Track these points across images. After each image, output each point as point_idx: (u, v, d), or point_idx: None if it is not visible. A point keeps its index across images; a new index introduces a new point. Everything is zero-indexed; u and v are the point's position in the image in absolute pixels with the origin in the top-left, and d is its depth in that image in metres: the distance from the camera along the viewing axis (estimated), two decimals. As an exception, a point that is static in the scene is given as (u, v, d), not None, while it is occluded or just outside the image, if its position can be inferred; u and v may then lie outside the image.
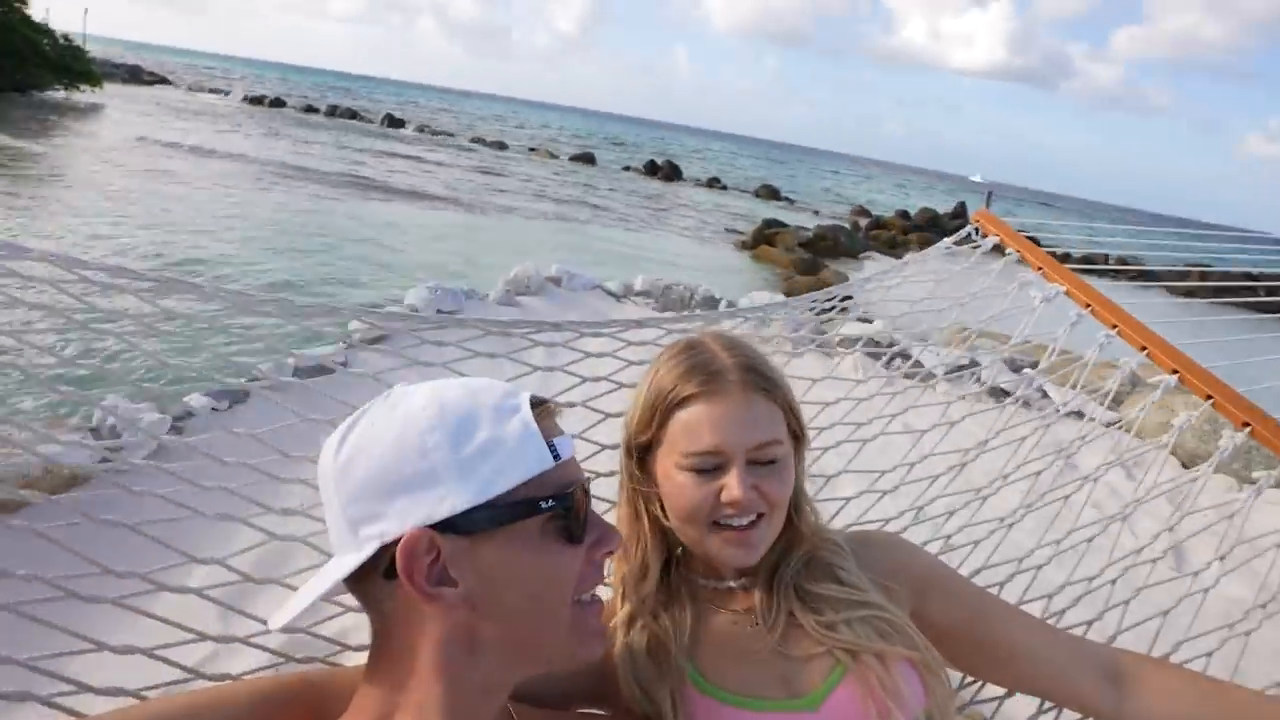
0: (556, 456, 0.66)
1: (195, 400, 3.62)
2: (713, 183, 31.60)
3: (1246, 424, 1.47)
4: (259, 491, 1.09)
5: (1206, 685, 1.00)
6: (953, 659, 0.97)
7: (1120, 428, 1.86)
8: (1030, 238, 1.88)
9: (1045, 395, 4.78)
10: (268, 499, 1.10)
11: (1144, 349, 1.60)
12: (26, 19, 23.46)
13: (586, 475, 0.71)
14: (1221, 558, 1.43)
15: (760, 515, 0.85)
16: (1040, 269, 1.80)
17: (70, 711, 0.84)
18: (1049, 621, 1.21)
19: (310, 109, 37.60)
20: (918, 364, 1.97)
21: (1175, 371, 1.55)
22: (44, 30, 24.09)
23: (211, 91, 40.76)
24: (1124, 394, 4.84)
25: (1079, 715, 1.06)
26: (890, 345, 1.86)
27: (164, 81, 41.85)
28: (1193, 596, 1.40)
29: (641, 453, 0.91)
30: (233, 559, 1.06)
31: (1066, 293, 1.73)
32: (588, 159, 33.38)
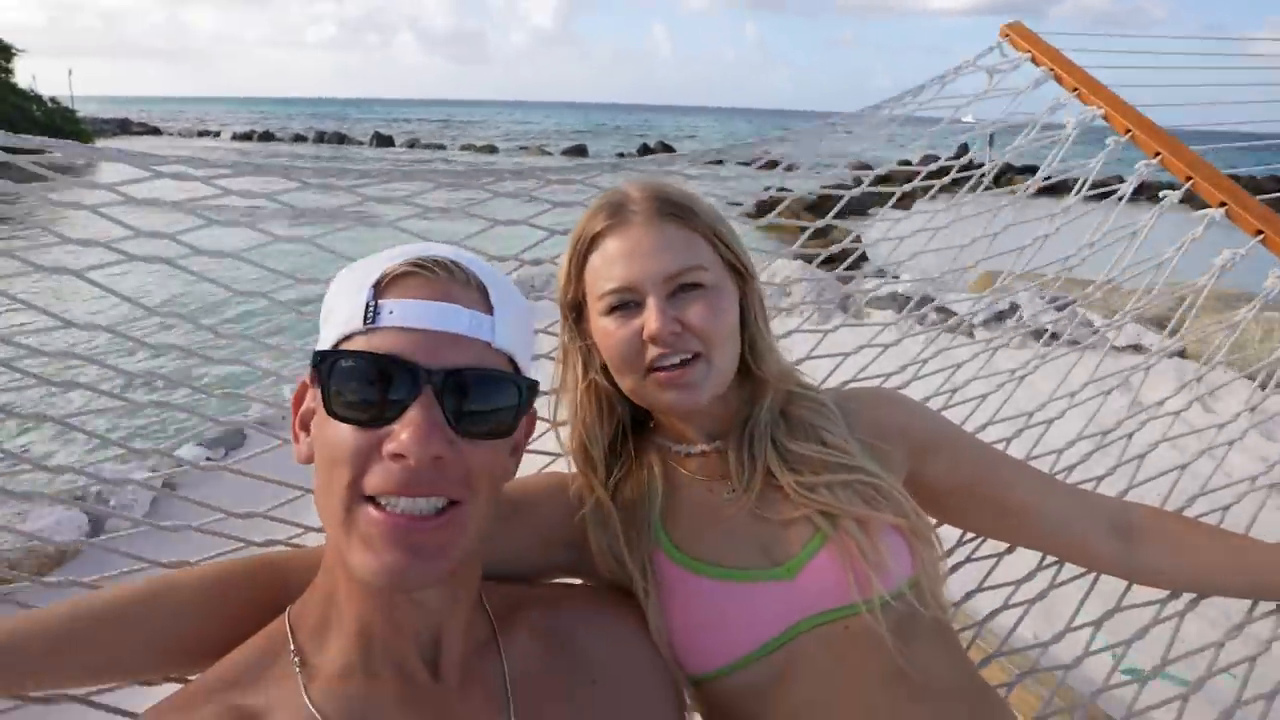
0: (371, 319, 0.58)
1: (187, 451, 3.50)
2: (707, 158, 31.25)
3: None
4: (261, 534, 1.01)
5: (1212, 531, 0.99)
6: (952, 517, 0.94)
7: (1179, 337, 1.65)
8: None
9: (1095, 331, 4.53)
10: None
11: (1189, 179, 1.45)
12: (13, 87, 23.97)
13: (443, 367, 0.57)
14: (1252, 409, 1.33)
15: (697, 355, 0.79)
16: (1076, 90, 1.58)
17: (24, 605, 0.81)
18: (1058, 476, 1.17)
19: (299, 138, 37.89)
20: (948, 312, 1.83)
21: (1223, 204, 1.41)
22: (31, 96, 24.53)
23: (201, 135, 41.05)
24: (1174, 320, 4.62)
25: (1083, 569, 1.05)
26: (923, 300, 1.69)
27: (154, 131, 42.21)
28: (1216, 449, 1.31)
29: (575, 312, 0.86)
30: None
31: (1105, 116, 1.54)
32: (580, 151, 33.25)
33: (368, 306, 0.58)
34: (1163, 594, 1.05)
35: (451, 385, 0.57)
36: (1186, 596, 1.04)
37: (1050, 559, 1.08)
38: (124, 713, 0.80)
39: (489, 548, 0.70)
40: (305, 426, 0.65)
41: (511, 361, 0.63)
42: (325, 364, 0.58)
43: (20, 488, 0.94)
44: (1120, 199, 1.54)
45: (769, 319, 0.88)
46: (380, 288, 0.60)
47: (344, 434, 0.57)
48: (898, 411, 0.92)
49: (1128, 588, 1.07)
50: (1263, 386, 1.34)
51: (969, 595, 1.15)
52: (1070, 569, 1.06)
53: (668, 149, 32.17)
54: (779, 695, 0.76)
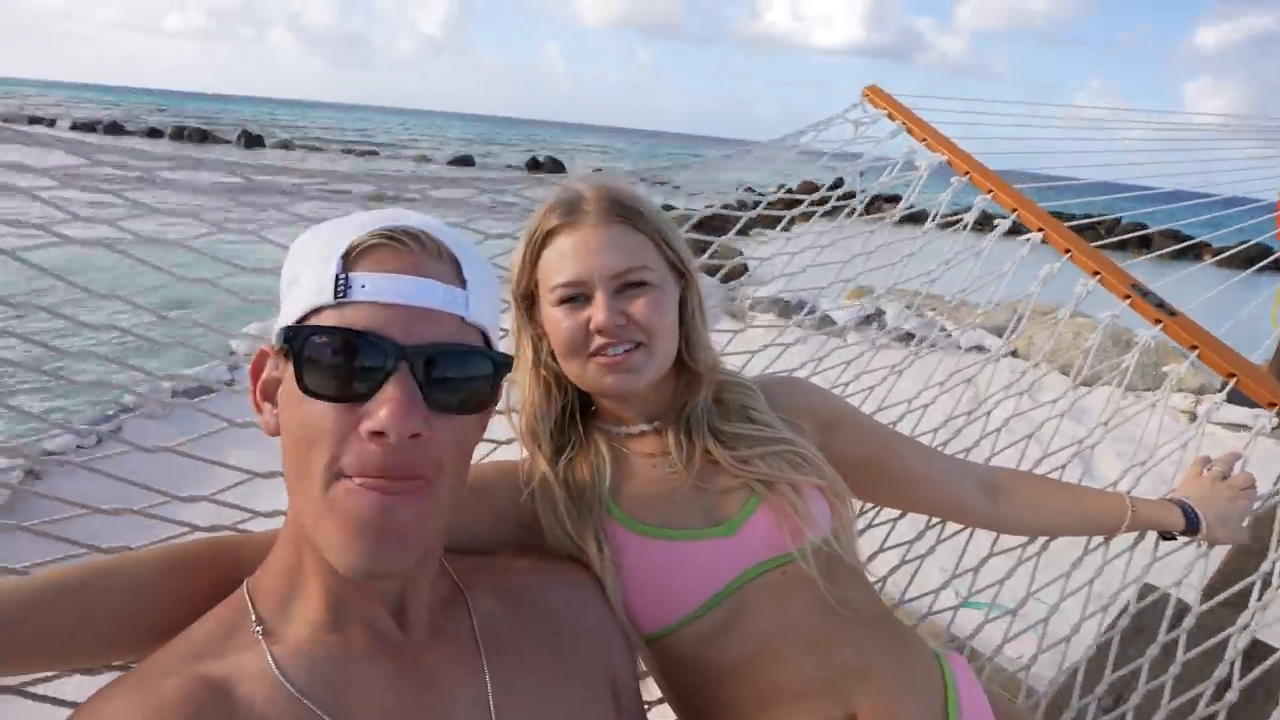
0: (342, 293, 0.56)
1: (55, 442, 3.12)
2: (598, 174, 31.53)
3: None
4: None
5: (1056, 485, 1.21)
6: (858, 489, 1.04)
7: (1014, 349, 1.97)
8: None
9: (949, 335, 5.15)
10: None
11: (1014, 210, 1.75)
12: None
13: (421, 344, 0.57)
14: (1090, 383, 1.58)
15: (639, 344, 0.86)
16: (924, 140, 1.91)
17: None
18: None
19: (154, 132, 34.62)
20: (829, 320, 2.07)
21: (1041, 230, 1.71)
22: None
23: (33, 121, 36.69)
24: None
25: (960, 525, 1.28)
26: (803, 305, 1.93)
27: (-30, 113, 37.30)
28: (1050, 422, 1.59)
29: (527, 301, 0.92)
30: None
31: (947, 161, 1.87)
32: (466, 161, 32.59)
33: (337, 279, 0.56)
34: (1022, 540, 1.32)
35: (427, 361, 0.56)
36: (1039, 541, 1.32)
37: (935, 520, 1.31)
38: (60, 702, 0.74)
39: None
40: (268, 397, 0.63)
41: (484, 336, 0.63)
42: (297, 339, 0.56)
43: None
44: (965, 227, 1.85)
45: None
46: (349, 259, 0.57)
47: (319, 412, 0.56)
48: (807, 394, 1.05)
49: (995, 539, 1.31)
50: (1074, 376, 1.65)
51: (871, 558, 1.32)
52: (950, 528, 1.31)
53: (557, 164, 32.40)
54: (730, 639, 0.84)
